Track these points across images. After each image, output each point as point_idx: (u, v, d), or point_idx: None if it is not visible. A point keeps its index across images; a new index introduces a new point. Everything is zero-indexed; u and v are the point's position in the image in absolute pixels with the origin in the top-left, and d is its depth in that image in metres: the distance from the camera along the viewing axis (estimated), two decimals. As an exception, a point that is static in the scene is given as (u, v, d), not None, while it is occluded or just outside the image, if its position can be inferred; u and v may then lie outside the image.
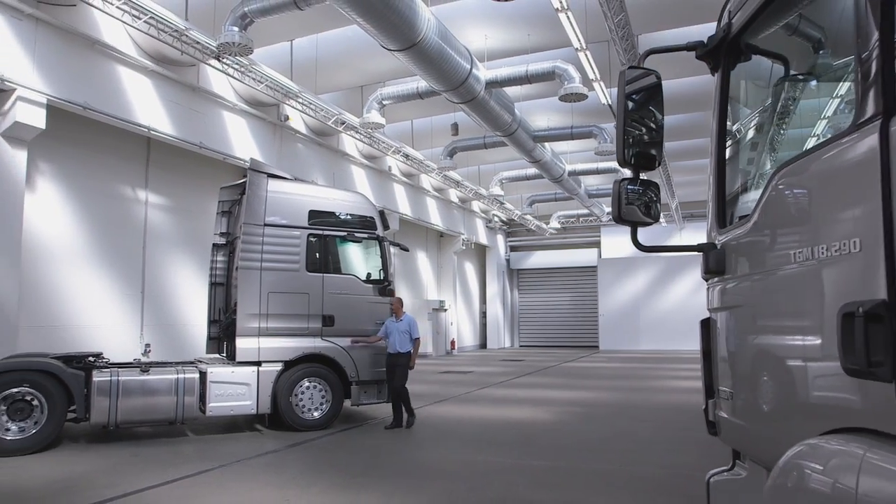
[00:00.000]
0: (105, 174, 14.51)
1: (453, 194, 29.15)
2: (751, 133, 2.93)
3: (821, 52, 2.46)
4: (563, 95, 14.61)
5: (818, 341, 1.90)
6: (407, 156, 22.09)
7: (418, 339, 10.34)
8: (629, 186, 2.75)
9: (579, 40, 12.19)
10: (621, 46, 12.73)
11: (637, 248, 2.85)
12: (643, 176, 2.79)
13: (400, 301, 10.46)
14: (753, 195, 2.52)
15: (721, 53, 2.76)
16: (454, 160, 21.76)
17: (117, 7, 11.10)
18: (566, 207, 33.35)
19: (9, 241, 11.34)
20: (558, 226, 34.95)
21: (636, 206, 2.74)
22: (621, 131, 2.69)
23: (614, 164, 22.73)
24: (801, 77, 2.62)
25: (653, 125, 2.74)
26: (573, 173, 24.51)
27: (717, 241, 2.76)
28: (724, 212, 2.78)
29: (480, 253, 36.74)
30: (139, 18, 11.56)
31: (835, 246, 1.82)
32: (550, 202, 30.98)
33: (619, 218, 2.73)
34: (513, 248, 38.78)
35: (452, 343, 31.13)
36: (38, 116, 11.64)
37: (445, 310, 30.17)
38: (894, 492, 1.45)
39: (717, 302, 2.77)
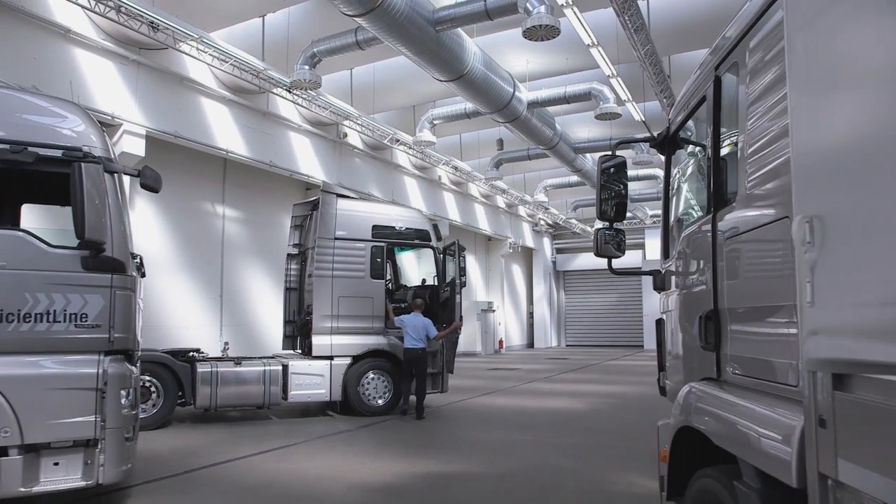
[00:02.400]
0: (189, 193, 16.44)
1: (500, 200, 30.54)
2: (680, 198, 4.31)
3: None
4: (599, 114, 15.92)
5: (695, 331, 3.31)
6: (456, 167, 23.64)
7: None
8: (606, 232, 4.18)
9: (610, 69, 13.52)
10: (651, 71, 14.01)
11: (611, 272, 4.28)
12: (616, 225, 4.21)
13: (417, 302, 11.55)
14: (676, 242, 3.94)
15: (665, 144, 4.17)
16: (500, 171, 23.19)
17: (209, 54, 12.94)
18: (610, 211, 34.34)
19: (117, 254, 13.27)
20: (603, 228, 35.93)
21: (610, 245, 4.17)
22: (599, 195, 4.12)
23: (654, 171, 23.85)
24: (703, 164, 3.98)
25: (621, 191, 4.17)
26: (614, 180, 25.60)
27: (662, 268, 4.18)
28: (667, 249, 4.19)
29: (527, 255, 38.00)
30: (226, 62, 13.39)
31: (700, 280, 3.25)
32: (595, 206, 32.06)
33: (598, 253, 4.16)
34: (559, 251, 39.88)
35: (500, 342, 32.49)
36: (139, 146, 13.56)
37: (493, 311, 31.51)
38: (703, 403, 2.88)
39: (661, 308, 4.19)
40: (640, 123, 18.18)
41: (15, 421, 4.98)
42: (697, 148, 3.91)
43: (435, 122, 18.24)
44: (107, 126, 13.41)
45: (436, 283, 12.43)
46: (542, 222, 36.28)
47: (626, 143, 4.49)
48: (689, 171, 4.05)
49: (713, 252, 3.04)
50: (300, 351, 12.68)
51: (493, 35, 15.47)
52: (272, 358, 11.65)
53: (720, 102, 3.13)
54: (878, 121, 1.52)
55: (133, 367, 5.79)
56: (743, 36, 2.84)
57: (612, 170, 4.15)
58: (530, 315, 38.09)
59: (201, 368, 10.45)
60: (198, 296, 16.74)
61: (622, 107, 16.58)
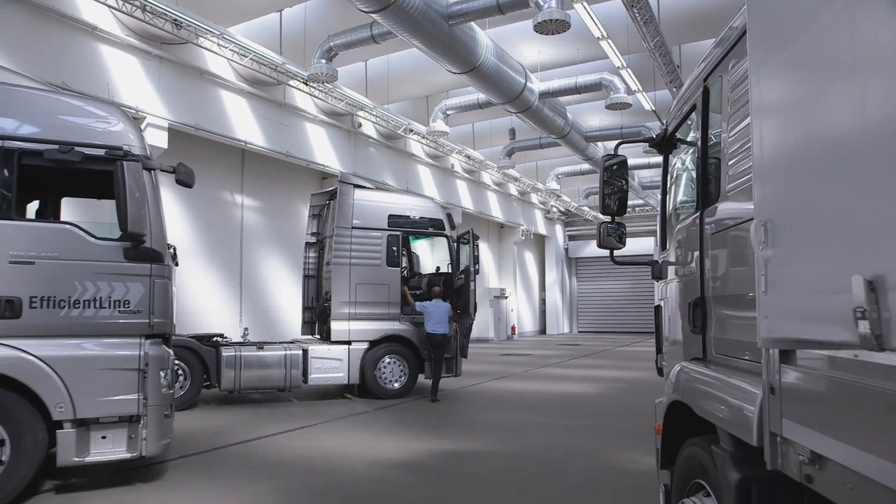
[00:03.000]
0: (209, 182, 16.82)
1: (512, 188, 30.82)
2: (676, 194, 4.66)
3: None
4: (610, 104, 16.19)
5: (685, 316, 3.69)
6: (469, 156, 23.95)
7: None
8: (609, 225, 4.55)
9: (620, 61, 13.79)
10: (661, 61, 14.27)
11: (613, 262, 4.65)
12: (618, 219, 4.57)
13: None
14: (671, 235, 4.30)
15: (663, 144, 4.52)
16: (512, 159, 23.49)
17: (230, 49, 13.34)
18: (622, 198, 34.54)
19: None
20: (615, 216, 36.12)
21: (613, 238, 4.53)
22: (602, 191, 4.48)
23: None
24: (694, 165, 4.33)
25: (623, 186, 4.53)
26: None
27: (658, 259, 4.54)
28: (664, 241, 4.56)
29: (539, 242, 38.28)
30: (245, 56, 13.79)
31: (689, 271, 3.62)
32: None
33: (601, 245, 4.53)
34: (571, 238, 40.10)
35: (513, 329, 32.89)
36: (162, 138, 13.99)
37: (506, 297, 31.88)
38: (690, 380, 3.27)
39: (658, 295, 4.56)
40: (651, 112, 18.41)
41: (68, 397, 5.45)
42: (690, 149, 4.26)
43: (448, 112, 18.57)
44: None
45: (449, 271, 12.82)
46: (554, 210, 36.51)
47: (627, 142, 4.84)
48: (684, 169, 4.40)
49: (700, 246, 3.41)
50: (318, 336, 13.13)
51: (504, 27, 15.74)
52: (292, 343, 12.11)
53: (708, 111, 3.49)
54: (807, 146, 1.89)
55: (170, 350, 6.24)
56: (726, 54, 3.19)
57: (614, 167, 4.50)
58: (542, 301, 38.43)
59: (226, 352, 10.92)
60: (218, 283, 17.23)
61: (632, 96, 16.83)
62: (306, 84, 15.80)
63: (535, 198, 33.77)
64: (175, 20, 12.16)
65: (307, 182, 19.72)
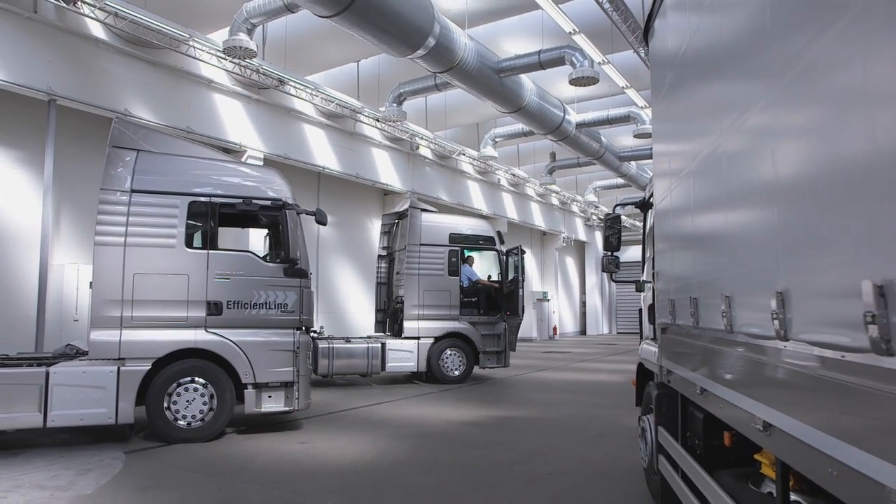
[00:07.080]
0: (292, 201, 19.78)
1: (554, 199, 33.22)
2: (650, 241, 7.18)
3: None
4: (637, 134, 18.60)
5: (646, 315, 6.23)
6: (514, 174, 26.51)
7: None
8: (609, 256, 7.12)
9: (644, 102, 16.21)
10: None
11: (612, 282, 7.21)
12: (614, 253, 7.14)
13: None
14: (646, 266, 6.85)
15: (644, 207, 7.05)
16: (553, 176, 25.97)
17: (320, 98, 16.23)
18: (658, 207, 36.66)
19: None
20: (651, 223, 38.20)
21: (612, 265, 7.11)
22: (604, 237, 7.06)
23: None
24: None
25: (618, 231, 7.10)
26: (659, 181, 28.14)
27: (640, 280, 7.09)
28: (643, 268, 7.09)
29: (580, 248, 40.54)
30: (331, 103, 16.67)
31: (650, 287, 6.18)
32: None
33: (604, 270, 7.10)
34: (610, 244, 42.10)
35: (554, 329, 35.20)
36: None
37: (548, 300, 34.24)
38: (644, 350, 5.83)
39: (641, 302, 7.12)
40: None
41: (251, 369, 8.24)
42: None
43: (496, 139, 21.20)
44: (235, 153, 16.88)
45: (499, 279, 15.46)
46: (594, 217, 38.73)
47: (622, 204, 7.41)
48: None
49: (653, 274, 5.96)
50: (389, 333, 15.85)
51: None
52: (370, 338, 14.86)
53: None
54: (666, 238, 4.47)
55: (311, 338, 9.00)
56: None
57: (614, 218, 7.10)
58: (583, 304, 40.61)
59: (321, 344, 13.68)
60: (299, 287, 20.10)
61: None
62: (378, 121, 18.60)
63: (575, 207, 36.05)
64: (279, 78, 15.08)
65: (372, 198, 22.58)
